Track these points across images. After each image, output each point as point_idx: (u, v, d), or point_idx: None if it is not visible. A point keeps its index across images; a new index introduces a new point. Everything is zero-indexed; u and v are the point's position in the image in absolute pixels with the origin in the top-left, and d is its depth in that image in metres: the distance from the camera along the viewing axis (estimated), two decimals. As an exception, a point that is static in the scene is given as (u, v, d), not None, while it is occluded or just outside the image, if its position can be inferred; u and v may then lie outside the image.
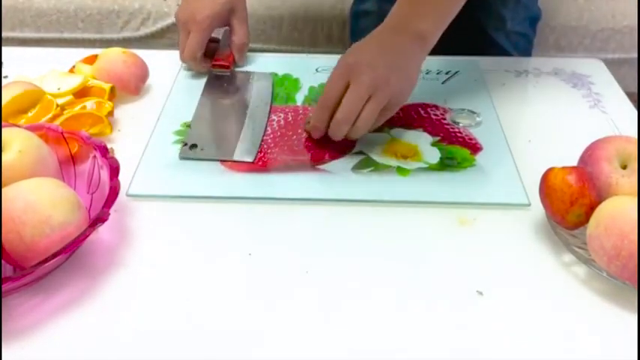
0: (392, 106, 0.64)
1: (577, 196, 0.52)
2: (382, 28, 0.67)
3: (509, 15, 0.92)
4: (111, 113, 0.69)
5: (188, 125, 0.70)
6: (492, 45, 0.94)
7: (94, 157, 0.56)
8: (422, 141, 0.68)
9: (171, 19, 1.20)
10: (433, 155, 0.66)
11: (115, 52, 0.75)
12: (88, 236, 0.49)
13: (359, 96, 0.61)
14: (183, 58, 0.79)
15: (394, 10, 0.67)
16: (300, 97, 0.75)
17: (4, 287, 0.46)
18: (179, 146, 0.66)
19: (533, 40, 0.99)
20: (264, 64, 0.82)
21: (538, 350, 0.47)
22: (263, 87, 0.76)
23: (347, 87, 0.61)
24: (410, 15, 0.67)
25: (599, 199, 0.52)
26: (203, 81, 0.78)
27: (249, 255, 0.54)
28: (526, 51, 0.98)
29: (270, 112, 0.72)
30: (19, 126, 0.58)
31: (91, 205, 0.54)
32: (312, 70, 0.81)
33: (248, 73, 0.80)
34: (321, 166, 0.64)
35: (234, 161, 0.64)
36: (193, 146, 0.65)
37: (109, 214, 0.50)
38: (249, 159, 0.64)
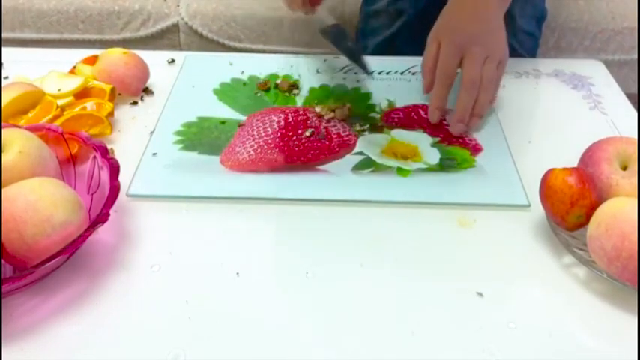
0: (502, 65, 0.70)
1: (577, 197, 0.52)
2: None
3: (518, 12, 0.92)
4: (111, 114, 0.70)
5: (188, 126, 0.70)
6: None
7: (94, 157, 0.56)
8: (422, 142, 0.68)
9: (171, 20, 1.20)
10: (433, 156, 0.66)
11: (116, 53, 0.75)
12: (88, 236, 0.49)
13: (478, 64, 0.68)
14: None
15: None
16: (300, 98, 0.75)
17: (5, 288, 0.46)
18: (179, 147, 0.66)
19: (539, 40, 0.99)
20: (265, 64, 0.82)
21: (538, 351, 0.47)
22: None
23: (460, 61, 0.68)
24: None
25: (599, 201, 0.52)
26: (202, 82, 0.78)
27: (249, 256, 0.54)
28: (532, 51, 0.97)
29: None
30: (19, 127, 0.58)
31: (91, 206, 0.54)
32: (312, 70, 0.81)
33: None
34: (321, 167, 0.64)
35: (235, 160, 0.64)
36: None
37: (110, 214, 0.50)
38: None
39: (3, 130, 0.54)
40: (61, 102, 0.69)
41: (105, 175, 0.54)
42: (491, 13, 0.71)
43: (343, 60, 0.84)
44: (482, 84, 0.68)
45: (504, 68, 0.71)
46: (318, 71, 0.81)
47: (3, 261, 0.49)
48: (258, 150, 0.66)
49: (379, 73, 0.81)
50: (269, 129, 0.69)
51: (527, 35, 0.95)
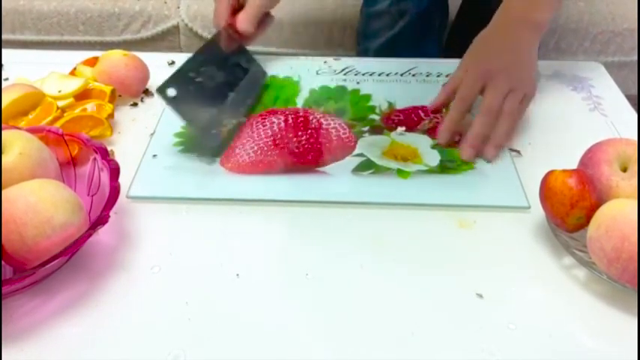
0: (527, 99, 0.69)
1: (577, 198, 0.52)
2: (501, 21, 0.71)
3: None
4: (111, 115, 0.70)
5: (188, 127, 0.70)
6: None
7: (95, 159, 0.56)
8: (422, 143, 0.68)
9: (171, 22, 1.20)
10: (433, 158, 0.66)
11: (116, 54, 0.75)
12: (88, 238, 0.49)
13: (499, 94, 0.67)
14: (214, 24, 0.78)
15: (509, 2, 0.71)
16: (300, 100, 0.75)
17: (5, 289, 0.46)
18: (179, 148, 0.66)
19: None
20: (265, 66, 0.82)
21: (538, 352, 0.47)
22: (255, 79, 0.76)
23: (482, 90, 0.67)
24: (528, 6, 0.70)
25: (599, 202, 0.52)
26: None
27: (249, 257, 0.54)
28: None
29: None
30: (19, 128, 0.58)
31: (91, 207, 0.54)
32: (312, 72, 0.81)
33: (249, 55, 0.78)
34: (321, 169, 0.64)
35: (235, 162, 0.64)
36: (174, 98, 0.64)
37: (110, 216, 0.50)
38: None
39: (3, 132, 0.54)
40: (61, 103, 0.69)
41: (105, 177, 0.54)
42: (523, 45, 0.70)
43: (343, 61, 0.84)
44: (502, 114, 0.66)
45: (529, 102, 0.69)
46: (318, 73, 0.81)
47: (3, 262, 0.49)
48: (259, 152, 0.66)
49: (379, 75, 0.81)
50: (269, 131, 0.69)
51: None
